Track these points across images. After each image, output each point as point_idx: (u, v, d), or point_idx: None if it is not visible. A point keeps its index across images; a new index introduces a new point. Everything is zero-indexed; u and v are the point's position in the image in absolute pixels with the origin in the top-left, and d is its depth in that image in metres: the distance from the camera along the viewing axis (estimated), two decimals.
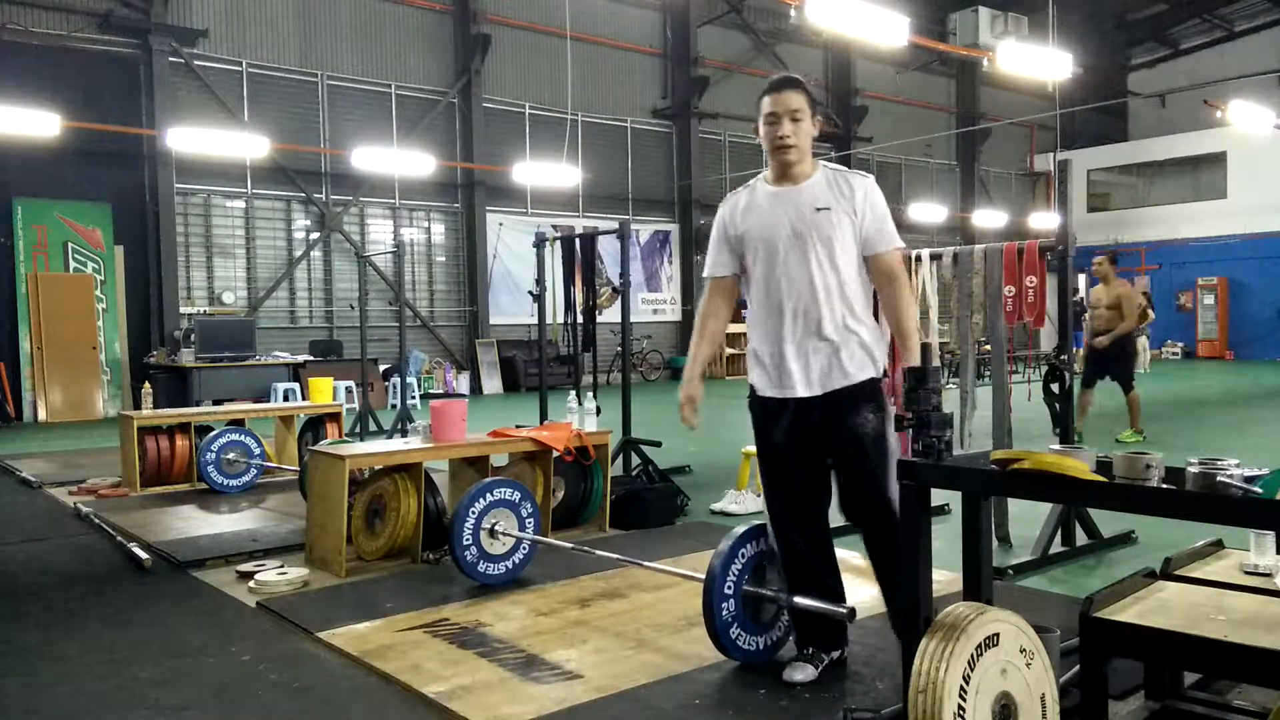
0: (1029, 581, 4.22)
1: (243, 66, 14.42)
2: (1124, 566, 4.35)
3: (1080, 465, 2.18)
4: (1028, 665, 2.25)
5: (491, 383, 16.40)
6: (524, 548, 4.32)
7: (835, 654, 3.15)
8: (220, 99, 14.10)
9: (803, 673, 3.04)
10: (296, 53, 14.94)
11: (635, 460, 6.53)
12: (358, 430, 9.43)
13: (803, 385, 2.98)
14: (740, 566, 3.16)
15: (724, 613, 3.09)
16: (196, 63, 13.90)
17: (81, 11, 12.96)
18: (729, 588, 3.11)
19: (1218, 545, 2.83)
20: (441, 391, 15.61)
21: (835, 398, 2.95)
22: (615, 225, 6.66)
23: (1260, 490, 1.97)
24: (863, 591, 4.22)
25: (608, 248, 8.90)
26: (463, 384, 16.06)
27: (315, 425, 7.62)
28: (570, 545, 4.39)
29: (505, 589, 4.15)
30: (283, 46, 14.83)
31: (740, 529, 3.19)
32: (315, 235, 15.20)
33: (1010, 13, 18.83)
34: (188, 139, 12.92)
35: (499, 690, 3.00)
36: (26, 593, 4.33)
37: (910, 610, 2.37)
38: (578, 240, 7.14)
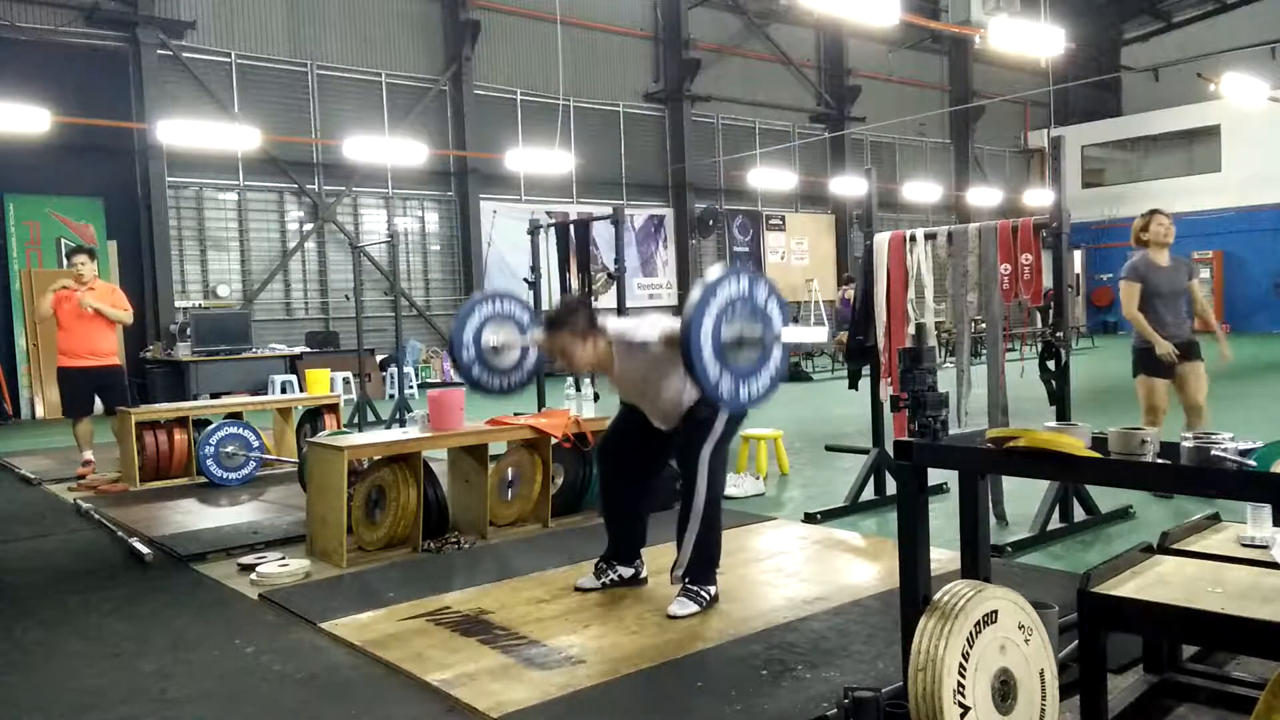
0: (1027, 558, 4.24)
1: (231, 58, 14.34)
2: (1122, 542, 4.37)
3: (1075, 442, 2.18)
4: (1026, 641, 2.26)
5: None
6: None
7: (628, 572, 3.94)
8: (210, 91, 14.03)
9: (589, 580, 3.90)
10: (285, 43, 14.85)
11: None
12: (356, 421, 9.43)
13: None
14: None
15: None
16: (185, 55, 13.82)
17: (68, 5, 12.87)
18: None
19: (1214, 519, 2.83)
20: (439, 380, 15.60)
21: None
22: (609, 210, 6.64)
23: (1255, 463, 1.97)
24: (863, 570, 4.25)
25: (602, 233, 8.88)
26: None
27: (313, 417, 7.63)
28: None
29: (507, 577, 4.17)
30: (271, 37, 14.75)
31: None
32: (309, 226, 15.15)
33: None
34: (178, 132, 12.85)
35: (502, 677, 3.01)
36: (28, 589, 4.34)
37: (909, 589, 2.39)
38: (572, 227, 7.12)
